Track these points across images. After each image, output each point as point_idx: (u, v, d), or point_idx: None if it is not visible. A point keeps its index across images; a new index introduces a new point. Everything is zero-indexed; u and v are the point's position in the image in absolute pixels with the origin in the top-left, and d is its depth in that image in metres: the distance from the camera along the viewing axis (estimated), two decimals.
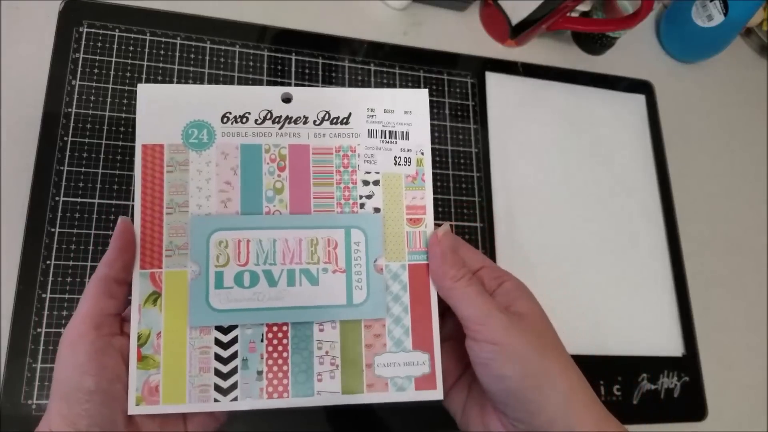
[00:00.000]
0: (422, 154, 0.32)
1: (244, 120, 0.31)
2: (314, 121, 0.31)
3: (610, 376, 0.48)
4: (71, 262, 0.40)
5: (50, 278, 0.39)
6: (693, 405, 0.50)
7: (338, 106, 0.32)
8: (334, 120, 0.32)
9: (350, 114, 0.32)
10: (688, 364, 0.51)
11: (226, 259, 0.29)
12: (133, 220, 0.29)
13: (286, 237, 0.30)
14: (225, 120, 0.30)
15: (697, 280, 0.54)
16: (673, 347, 0.52)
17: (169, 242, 0.29)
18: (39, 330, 0.38)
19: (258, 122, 0.31)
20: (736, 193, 0.61)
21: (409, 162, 0.32)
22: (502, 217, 0.50)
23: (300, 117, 0.31)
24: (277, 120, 0.31)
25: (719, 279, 0.56)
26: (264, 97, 0.31)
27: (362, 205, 0.31)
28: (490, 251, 0.49)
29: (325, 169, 0.31)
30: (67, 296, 0.39)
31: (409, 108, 0.32)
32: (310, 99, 0.31)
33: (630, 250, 0.53)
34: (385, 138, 0.32)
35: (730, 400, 0.52)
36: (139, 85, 0.30)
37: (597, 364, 0.49)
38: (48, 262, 0.39)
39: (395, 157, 0.32)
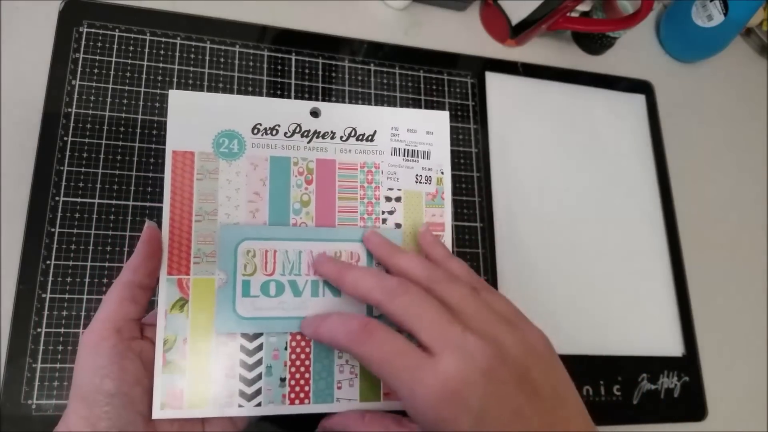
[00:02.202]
0: (442, 173, 0.34)
1: (274, 132, 0.31)
2: (341, 137, 0.32)
3: (610, 376, 0.48)
4: (71, 262, 0.40)
5: (50, 278, 0.39)
6: (693, 405, 0.50)
7: (364, 123, 0.33)
8: (360, 137, 0.32)
9: (375, 132, 0.33)
10: (688, 364, 0.51)
11: (253, 268, 0.30)
12: (160, 225, 0.29)
13: (311, 249, 0.31)
14: (255, 131, 0.31)
15: (697, 280, 0.54)
16: (673, 347, 0.52)
17: (197, 249, 0.30)
18: (39, 330, 0.38)
19: (287, 135, 0.31)
20: (736, 193, 0.61)
21: (430, 180, 0.33)
22: (502, 217, 0.50)
23: (328, 132, 0.32)
24: (305, 134, 0.32)
25: (719, 279, 0.56)
26: (293, 110, 0.32)
27: (384, 221, 0.32)
28: (490, 251, 0.49)
29: (350, 184, 0.32)
30: (67, 296, 0.39)
31: (430, 128, 0.34)
32: (338, 115, 0.32)
33: (630, 249, 0.53)
34: (407, 156, 0.33)
35: (730, 400, 0.52)
36: (170, 91, 0.30)
37: (597, 364, 0.49)
38: (48, 262, 0.39)
39: (417, 175, 0.33)
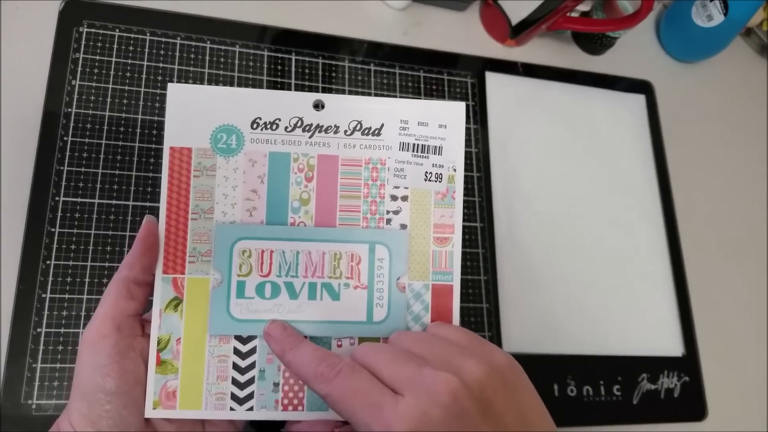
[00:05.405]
0: (454, 170, 0.31)
1: (275, 126, 0.30)
2: (345, 131, 0.30)
3: (610, 376, 0.48)
4: (71, 262, 0.40)
5: (50, 278, 0.39)
6: (693, 405, 0.50)
7: (371, 116, 0.31)
8: (366, 131, 0.31)
9: (383, 125, 0.31)
10: (688, 364, 0.51)
11: (248, 269, 0.29)
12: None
13: (310, 249, 0.30)
14: (255, 126, 0.30)
15: (697, 280, 0.54)
16: (673, 347, 0.52)
17: (193, 248, 0.29)
18: (39, 330, 0.38)
19: (288, 129, 0.30)
20: (736, 193, 0.61)
21: (441, 178, 0.31)
22: (502, 217, 0.50)
23: (331, 126, 0.30)
24: (307, 128, 0.30)
25: (719, 279, 0.56)
26: (295, 103, 0.30)
27: (389, 221, 0.31)
28: (490, 251, 0.49)
29: (353, 182, 0.30)
30: (67, 296, 0.39)
31: (444, 121, 0.31)
32: (343, 107, 0.30)
33: (630, 249, 0.53)
34: (417, 152, 0.31)
35: (730, 400, 0.52)
36: (169, 84, 0.29)
37: (597, 364, 0.49)
38: (48, 262, 0.39)
39: (426, 172, 0.31)
